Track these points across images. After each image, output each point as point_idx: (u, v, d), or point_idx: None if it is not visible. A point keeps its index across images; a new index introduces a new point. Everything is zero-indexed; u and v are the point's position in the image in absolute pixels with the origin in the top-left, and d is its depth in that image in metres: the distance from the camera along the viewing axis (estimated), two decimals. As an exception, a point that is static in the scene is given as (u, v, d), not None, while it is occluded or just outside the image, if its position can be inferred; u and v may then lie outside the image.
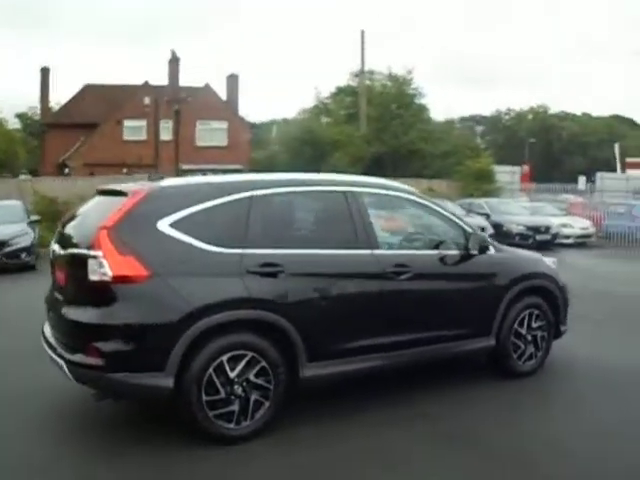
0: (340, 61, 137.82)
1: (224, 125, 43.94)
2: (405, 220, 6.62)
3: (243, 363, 5.20)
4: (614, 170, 53.57)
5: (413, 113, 38.81)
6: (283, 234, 5.73)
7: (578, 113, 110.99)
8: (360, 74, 41.33)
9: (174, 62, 41.93)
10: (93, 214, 5.75)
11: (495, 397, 6.65)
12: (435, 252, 6.52)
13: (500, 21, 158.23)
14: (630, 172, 52.50)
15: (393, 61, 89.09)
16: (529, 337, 7.24)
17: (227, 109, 44.29)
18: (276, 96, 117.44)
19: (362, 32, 38.92)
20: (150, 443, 5.29)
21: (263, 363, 5.26)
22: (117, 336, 5.02)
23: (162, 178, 6.00)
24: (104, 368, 4.97)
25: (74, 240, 5.69)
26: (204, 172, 38.01)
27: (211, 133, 43.72)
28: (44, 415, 5.95)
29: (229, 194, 5.52)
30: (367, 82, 42.92)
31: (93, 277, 5.07)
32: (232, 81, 46.36)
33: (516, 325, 7.13)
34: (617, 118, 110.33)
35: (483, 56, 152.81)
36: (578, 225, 25.05)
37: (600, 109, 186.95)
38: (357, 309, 5.87)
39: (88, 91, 45.51)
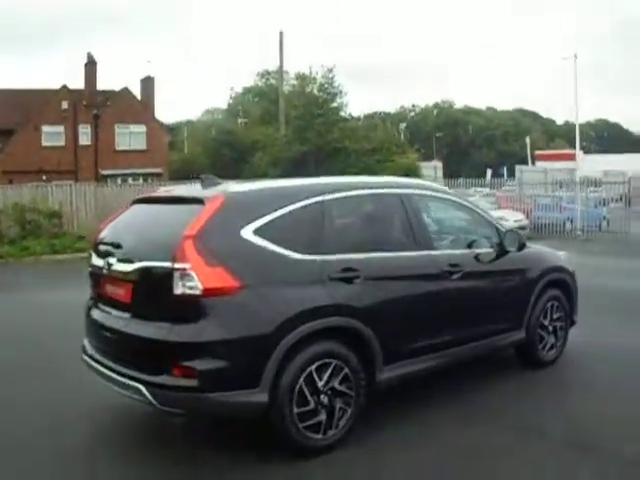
0: (248, 62, 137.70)
1: (142, 129, 43.01)
2: (449, 220, 6.64)
3: (329, 372, 5.07)
4: (525, 162, 55.33)
5: (335, 111, 38.86)
6: (354, 238, 5.65)
7: (483, 107, 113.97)
8: (279, 74, 41.28)
9: (91, 65, 40.99)
10: (158, 223, 5.47)
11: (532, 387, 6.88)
12: (478, 250, 6.59)
13: (400, 19, 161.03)
14: (540, 164, 54.38)
15: (295, 61, 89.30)
16: (550, 328, 7.45)
17: (145, 112, 43.40)
18: (189, 97, 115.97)
19: (281, 33, 38.68)
20: (225, 455, 5.16)
21: (346, 370, 5.16)
22: (211, 353, 4.71)
23: (215, 181, 5.73)
24: (198, 389, 4.65)
25: (140, 252, 5.19)
26: (125, 177, 37.60)
27: (130, 137, 42.70)
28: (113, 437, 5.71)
29: (305, 198, 5.37)
30: (273, 82, 42.90)
31: (179, 291, 4.74)
32: (147, 83, 45.34)
33: (541, 317, 7.32)
34: (521, 111, 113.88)
35: (386, 54, 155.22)
36: (512, 218, 25.64)
37: (505, 103, 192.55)
38: (421, 310, 5.87)
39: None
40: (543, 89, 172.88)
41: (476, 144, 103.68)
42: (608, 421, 5.77)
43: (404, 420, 5.74)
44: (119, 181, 35.18)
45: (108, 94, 41.48)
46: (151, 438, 5.61)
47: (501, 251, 6.74)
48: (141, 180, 37.62)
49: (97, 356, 5.51)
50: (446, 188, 7.16)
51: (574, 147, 74.81)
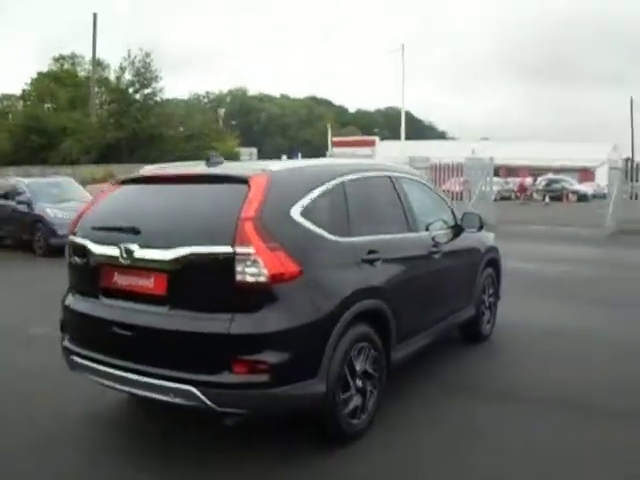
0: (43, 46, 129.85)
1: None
2: (423, 202, 6.69)
3: (363, 355, 4.97)
4: (325, 148, 56.97)
5: (151, 96, 37.84)
6: (369, 220, 5.52)
7: (277, 95, 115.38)
8: (93, 60, 39.50)
9: None
10: (194, 205, 4.77)
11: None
12: (446, 231, 6.72)
13: (191, 8, 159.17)
14: (337, 150, 56.11)
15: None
16: (487, 303, 7.78)
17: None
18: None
19: (94, 15, 37.12)
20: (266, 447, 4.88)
21: (373, 352, 5.07)
22: (280, 344, 4.33)
23: (220, 160, 5.41)
24: (267, 384, 4.26)
25: (179, 237, 4.49)
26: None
27: None
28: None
29: (332, 179, 5.18)
30: (67, 66, 41.17)
31: (242, 278, 4.27)
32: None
33: (482, 293, 7.64)
34: (314, 99, 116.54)
35: (178, 42, 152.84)
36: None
37: (298, 90, 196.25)
38: (418, 289, 5.90)
39: None
40: (335, 77, 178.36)
41: (269, 131, 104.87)
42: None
43: (402, 401, 5.81)
44: None
45: None
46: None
47: (459, 231, 6.92)
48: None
49: (99, 356, 4.79)
50: (415, 171, 7.21)
51: (366, 134, 78.18)
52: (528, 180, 51.41)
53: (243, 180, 4.63)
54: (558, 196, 45.88)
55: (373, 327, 5.09)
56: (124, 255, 4.67)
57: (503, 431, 5.17)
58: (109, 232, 4.91)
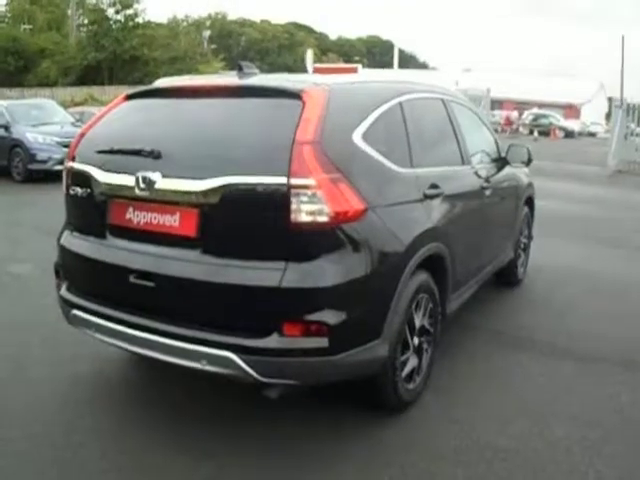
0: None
1: None
2: (469, 131, 5.85)
3: (421, 308, 4.25)
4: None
5: (132, 17, 36.13)
6: (428, 149, 4.70)
7: (257, 20, 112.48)
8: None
9: None
10: (232, 124, 3.77)
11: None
12: (492, 164, 5.95)
13: None
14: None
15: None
16: (522, 244, 7.15)
17: None
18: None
19: None
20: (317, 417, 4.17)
21: (430, 304, 4.37)
22: (342, 301, 3.49)
23: (254, 70, 4.44)
24: (326, 350, 3.44)
25: (215, 164, 3.59)
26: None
27: None
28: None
29: (392, 98, 4.34)
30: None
31: (300, 218, 3.38)
32: None
33: (521, 234, 7.02)
34: (295, 25, 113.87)
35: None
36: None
37: (279, 16, 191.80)
38: (471, 230, 5.18)
39: None
40: (317, 3, 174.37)
41: (249, 56, 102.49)
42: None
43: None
44: None
45: None
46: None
47: (503, 165, 6.16)
48: None
49: (107, 311, 3.89)
50: (461, 95, 6.38)
51: (347, 62, 76.70)
52: (514, 114, 50.47)
53: (295, 94, 3.69)
54: (545, 131, 45.16)
55: (432, 275, 4.33)
56: (142, 186, 3.72)
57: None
58: (121, 157, 3.95)
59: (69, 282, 4.26)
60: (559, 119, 51.00)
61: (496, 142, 6.32)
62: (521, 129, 47.11)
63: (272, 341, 3.41)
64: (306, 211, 3.39)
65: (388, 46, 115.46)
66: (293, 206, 3.38)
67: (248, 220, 3.52)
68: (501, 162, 6.13)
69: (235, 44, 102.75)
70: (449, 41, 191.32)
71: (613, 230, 10.92)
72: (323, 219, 3.41)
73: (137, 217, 3.85)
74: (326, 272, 3.44)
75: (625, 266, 8.41)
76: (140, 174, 3.72)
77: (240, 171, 3.49)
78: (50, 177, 14.25)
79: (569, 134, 47.61)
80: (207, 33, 44.93)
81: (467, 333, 5.57)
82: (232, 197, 3.50)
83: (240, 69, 4.38)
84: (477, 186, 5.33)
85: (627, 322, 6.10)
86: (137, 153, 3.82)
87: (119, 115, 4.34)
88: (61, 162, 14.22)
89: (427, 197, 4.30)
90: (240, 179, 3.48)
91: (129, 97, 4.46)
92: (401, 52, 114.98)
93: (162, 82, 5.01)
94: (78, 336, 4.34)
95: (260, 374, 3.44)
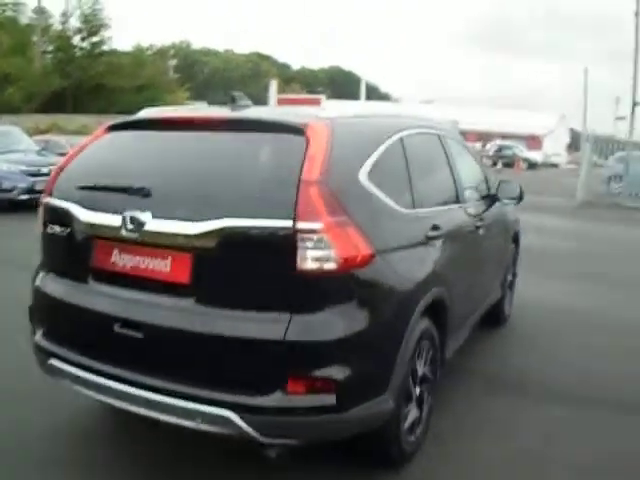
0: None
1: None
2: (461, 167, 5.65)
3: (423, 356, 4.01)
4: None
5: (98, 45, 35.86)
6: (428, 187, 4.49)
7: (221, 49, 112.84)
8: (38, 7, 37.34)
9: None
10: (231, 160, 3.48)
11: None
12: (482, 200, 5.73)
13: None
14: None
15: None
16: (508, 282, 6.98)
17: None
18: None
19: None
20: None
21: (432, 351, 4.13)
22: (350, 354, 3.22)
23: (247, 102, 4.10)
24: (333, 408, 3.16)
25: (211, 205, 3.27)
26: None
27: None
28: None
29: (394, 133, 4.11)
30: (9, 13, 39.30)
31: (305, 265, 3.10)
32: None
33: (507, 272, 6.87)
34: (258, 55, 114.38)
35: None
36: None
37: (242, 46, 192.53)
38: (468, 271, 5.00)
39: None
40: (280, 34, 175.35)
41: (212, 85, 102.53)
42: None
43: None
44: None
45: None
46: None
47: (493, 202, 5.95)
48: None
49: (89, 362, 3.51)
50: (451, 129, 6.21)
51: (310, 92, 76.99)
52: (477, 145, 50.93)
53: (298, 129, 3.39)
54: (509, 162, 45.59)
55: (433, 321, 4.09)
56: (129, 227, 3.39)
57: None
58: (106, 193, 3.63)
59: (45, 328, 3.85)
60: (522, 150, 51.63)
61: (486, 178, 6.13)
62: (485, 160, 47.45)
63: (275, 399, 3.11)
64: (313, 257, 3.11)
65: (350, 77, 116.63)
66: (299, 252, 3.10)
67: (247, 267, 3.23)
68: (491, 199, 5.92)
69: (199, 73, 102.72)
70: (408, 73, 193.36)
71: (591, 265, 10.89)
72: (331, 266, 3.13)
73: (123, 261, 3.50)
74: (334, 324, 3.18)
75: (608, 300, 8.39)
76: (128, 214, 3.40)
77: (239, 213, 3.19)
78: (15, 207, 13.87)
79: (532, 165, 48.23)
80: (173, 62, 44.59)
81: (460, 377, 5.34)
82: (230, 241, 3.20)
83: (233, 100, 4.04)
84: (472, 225, 5.13)
85: (614, 358, 6.06)
86: (124, 190, 3.50)
87: (102, 147, 3.99)
88: (27, 191, 13.93)
89: (429, 239, 4.08)
90: (240, 222, 3.18)
91: (112, 128, 4.09)
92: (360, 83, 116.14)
93: (148, 112, 4.63)
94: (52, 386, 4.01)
95: (261, 434, 3.14)
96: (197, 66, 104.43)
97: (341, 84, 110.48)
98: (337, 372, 3.16)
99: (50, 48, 35.21)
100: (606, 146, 22.51)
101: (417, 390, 3.95)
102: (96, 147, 4.02)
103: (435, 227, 4.16)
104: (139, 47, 66.89)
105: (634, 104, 25.17)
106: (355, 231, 3.25)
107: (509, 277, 6.96)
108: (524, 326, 7.06)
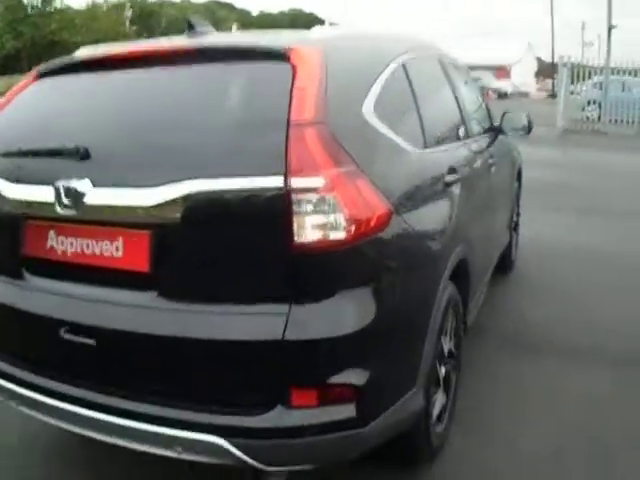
0: None
1: None
2: (469, 96, 4.86)
3: (448, 328, 3.29)
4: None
5: (49, 2, 34.54)
6: (437, 122, 3.67)
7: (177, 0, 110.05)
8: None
9: None
10: (194, 102, 2.61)
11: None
12: (486, 134, 4.92)
13: None
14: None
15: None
16: (513, 224, 6.33)
17: None
18: None
19: None
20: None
21: (455, 321, 3.41)
22: (370, 350, 2.43)
23: (209, 28, 3.21)
24: (352, 422, 2.39)
25: (173, 164, 2.42)
26: None
27: None
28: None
29: (394, 59, 3.20)
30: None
31: (304, 237, 2.29)
32: None
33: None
34: (216, 3, 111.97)
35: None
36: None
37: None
38: (484, 220, 4.28)
39: None
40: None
41: (170, 35, 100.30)
42: None
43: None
44: None
45: None
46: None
47: (497, 135, 5.14)
48: None
49: (33, 378, 2.72)
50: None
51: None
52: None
53: (280, 55, 2.53)
54: (479, 94, 44.92)
55: (456, 285, 3.35)
56: (65, 201, 2.56)
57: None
58: (33, 160, 2.79)
59: None
60: (492, 80, 50.79)
61: (487, 108, 5.38)
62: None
63: (274, 416, 2.33)
64: (314, 225, 2.30)
65: (312, 19, 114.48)
66: (295, 220, 2.29)
67: (225, 245, 2.39)
68: (495, 131, 5.12)
69: (156, 25, 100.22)
70: (370, 9, 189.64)
71: (583, 196, 10.49)
72: (339, 235, 2.31)
73: (62, 245, 2.66)
74: (347, 312, 2.38)
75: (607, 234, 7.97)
76: (61, 184, 2.57)
77: (209, 172, 2.35)
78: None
79: (502, 95, 47.48)
80: (129, 13, 42.93)
81: (478, 339, 4.63)
82: (200, 212, 2.38)
83: (191, 27, 3.12)
84: (486, 163, 4.40)
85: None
86: (55, 153, 2.67)
87: (28, 101, 3.08)
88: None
89: (447, 185, 3.31)
90: (210, 184, 2.35)
91: (41, 75, 3.13)
92: (324, 23, 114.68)
93: (84, 52, 3.62)
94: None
95: (262, 462, 2.38)
96: (154, 18, 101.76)
97: (303, 27, 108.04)
98: (355, 375, 2.38)
99: (5, 6, 33.81)
100: (582, 72, 21.75)
101: (443, 370, 3.26)
102: (21, 101, 3.10)
103: (452, 170, 3.39)
104: (94, 3, 64.72)
105: (610, 27, 24.25)
106: (367, 184, 2.43)
107: (514, 218, 6.29)
108: (532, 268, 6.53)
